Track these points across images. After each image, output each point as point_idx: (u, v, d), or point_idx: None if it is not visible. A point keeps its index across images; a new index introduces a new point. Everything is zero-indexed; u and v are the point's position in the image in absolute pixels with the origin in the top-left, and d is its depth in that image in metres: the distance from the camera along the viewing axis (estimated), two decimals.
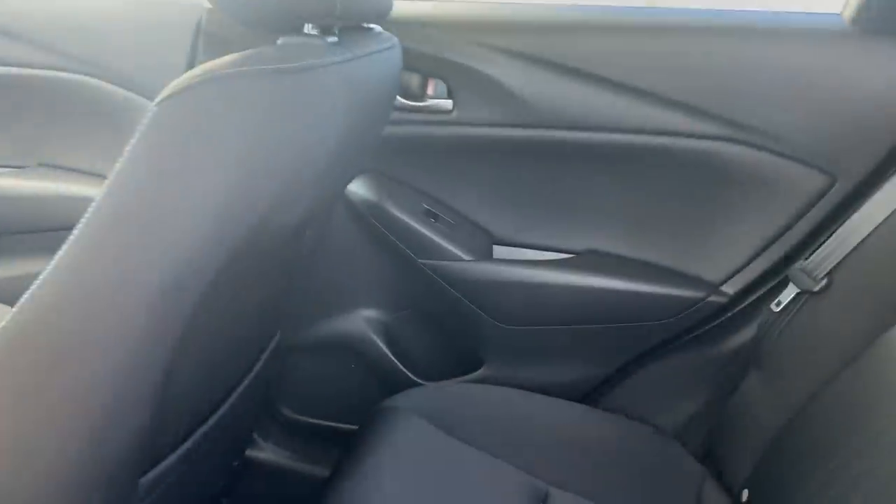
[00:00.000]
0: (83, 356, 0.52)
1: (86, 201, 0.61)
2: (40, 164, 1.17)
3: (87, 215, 0.51)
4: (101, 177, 1.14)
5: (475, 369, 1.12)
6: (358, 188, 1.06)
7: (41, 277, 0.51)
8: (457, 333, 1.13)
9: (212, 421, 0.75)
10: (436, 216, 1.07)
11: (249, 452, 1.18)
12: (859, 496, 0.67)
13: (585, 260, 1.06)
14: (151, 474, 0.66)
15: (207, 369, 0.69)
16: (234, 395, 0.83)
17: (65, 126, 1.13)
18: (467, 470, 0.88)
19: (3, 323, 0.52)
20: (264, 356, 0.91)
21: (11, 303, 0.54)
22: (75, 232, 0.51)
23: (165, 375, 0.56)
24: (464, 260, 1.05)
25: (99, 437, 0.54)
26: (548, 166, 1.04)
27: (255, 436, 1.19)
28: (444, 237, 1.05)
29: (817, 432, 0.80)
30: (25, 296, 0.52)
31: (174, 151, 0.51)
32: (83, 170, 1.15)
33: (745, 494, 0.87)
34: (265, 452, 1.19)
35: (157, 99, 0.51)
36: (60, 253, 0.51)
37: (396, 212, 1.05)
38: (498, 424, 0.98)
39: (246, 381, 0.86)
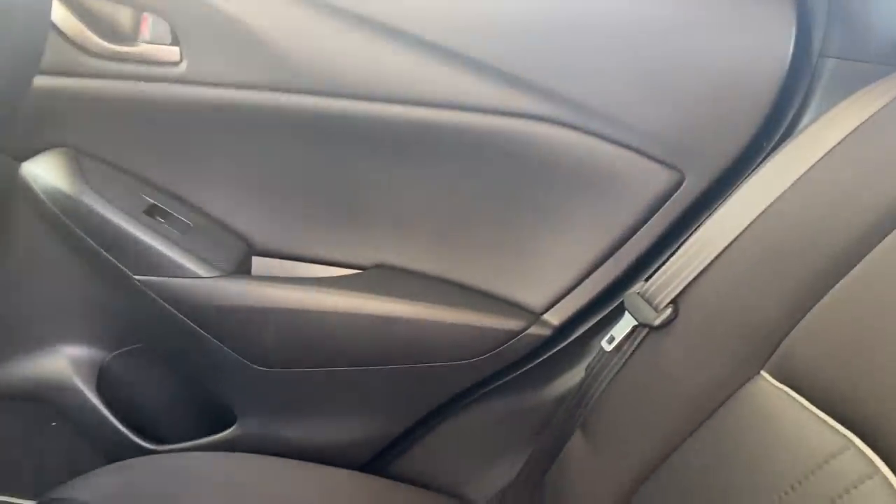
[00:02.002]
0: None
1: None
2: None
3: None
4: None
5: (229, 425, 0.82)
6: (42, 171, 0.73)
7: None
8: (199, 378, 0.83)
9: None
10: (165, 214, 0.77)
11: None
12: None
13: (373, 278, 0.79)
14: None
15: None
16: None
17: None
18: None
19: None
20: None
21: None
22: None
23: None
24: (201, 276, 0.75)
25: None
26: (323, 149, 0.76)
27: None
28: (171, 245, 0.75)
29: None
30: None
31: None
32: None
33: None
34: None
35: None
36: None
37: (101, 207, 0.73)
38: None
39: None
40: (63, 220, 0.74)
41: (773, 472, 0.50)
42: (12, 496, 0.85)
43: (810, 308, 0.53)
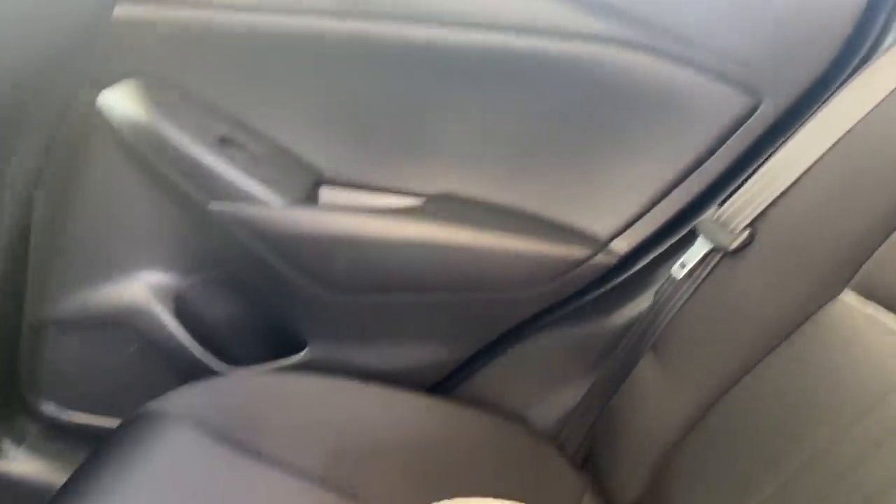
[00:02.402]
0: None
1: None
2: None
3: None
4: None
5: (300, 350, 0.85)
6: (117, 100, 0.75)
7: None
8: (270, 305, 0.86)
9: None
10: (236, 143, 0.78)
11: None
12: None
13: (438, 207, 0.80)
14: None
15: None
16: None
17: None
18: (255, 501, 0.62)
19: None
20: None
21: None
22: None
23: None
24: (274, 205, 0.76)
25: None
26: (391, 76, 0.76)
27: (2, 443, 0.88)
28: (244, 173, 0.76)
29: (732, 438, 0.59)
30: None
31: None
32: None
33: None
34: (17, 464, 0.88)
35: None
36: None
37: (175, 136, 0.75)
38: (316, 429, 0.71)
39: None
40: (138, 149, 0.75)
41: (853, 391, 0.51)
42: (97, 416, 0.90)
43: None
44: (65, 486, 0.63)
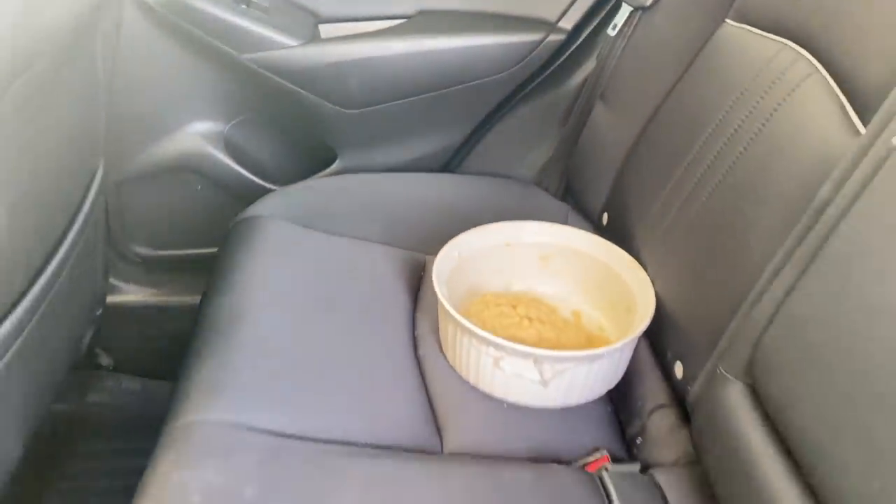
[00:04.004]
0: None
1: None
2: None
3: None
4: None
5: (332, 163, 1.07)
6: None
7: None
8: (302, 129, 1.06)
9: (50, 269, 0.68)
10: (247, 1, 0.95)
11: (112, 299, 1.10)
12: (710, 185, 0.71)
13: (418, 23, 1.00)
14: None
15: (24, 212, 0.60)
16: (68, 241, 0.75)
17: None
18: (343, 258, 0.87)
19: None
20: (91, 193, 0.81)
21: None
22: None
23: None
24: (290, 46, 0.95)
25: None
26: None
27: (114, 282, 1.11)
28: (262, 24, 0.94)
29: (663, 142, 0.83)
30: None
31: None
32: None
33: (604, 218, 0.92)
34: (129, 296, 1.12)
35: None
36: None
37: (201, 3, 0.91)
38: (365, 210, 0.96)
39: (77, 225, 0.77)
40: (173, 19, 0.92)
41: (735, 86, 0.74)
42: (181, 248, 1.12)
43: None
44: (211, 281, 0.85)
